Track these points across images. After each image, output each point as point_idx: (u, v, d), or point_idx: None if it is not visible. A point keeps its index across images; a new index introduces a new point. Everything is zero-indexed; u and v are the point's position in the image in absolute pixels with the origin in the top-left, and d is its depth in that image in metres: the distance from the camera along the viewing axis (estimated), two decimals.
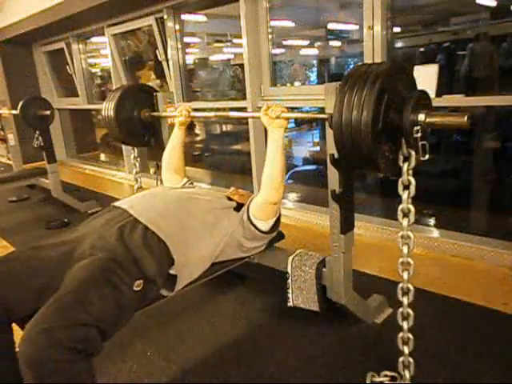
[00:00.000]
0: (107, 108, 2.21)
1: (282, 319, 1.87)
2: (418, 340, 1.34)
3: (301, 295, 1.76)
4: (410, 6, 3.03)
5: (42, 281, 1.32)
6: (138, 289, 1.36)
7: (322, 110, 1.50)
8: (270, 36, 3.03)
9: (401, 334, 1.35)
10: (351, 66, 4.81)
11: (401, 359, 1.36)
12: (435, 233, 2.46)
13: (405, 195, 1.25)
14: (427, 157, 1.16)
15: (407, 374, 1.35)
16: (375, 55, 2.43)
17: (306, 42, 5.32)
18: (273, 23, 3.06)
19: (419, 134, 1.13)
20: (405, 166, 1.22)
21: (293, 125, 6.53)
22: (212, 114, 2.10)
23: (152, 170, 4.25)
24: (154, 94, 2.32)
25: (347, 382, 1.47)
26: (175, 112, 2.09)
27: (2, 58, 5.50)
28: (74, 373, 1.09)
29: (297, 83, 5.09)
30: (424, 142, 1.14)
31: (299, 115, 1.85)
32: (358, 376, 1.47)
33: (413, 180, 1.23)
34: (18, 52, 5.62)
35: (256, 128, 3.15)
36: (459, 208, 2.90)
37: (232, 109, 4.69)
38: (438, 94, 2.22)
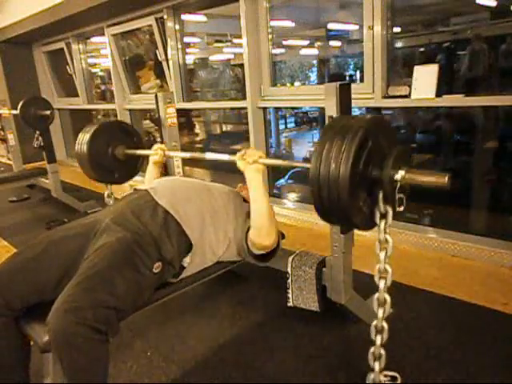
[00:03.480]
0: (80, 143, 2.14)
1: (282, 319, 1.87)
2: (417, 340, 1.34)
3: (301, 295, 1.76)
4: (409, 6, 3.03)
5: (66, 259, 1.38)
6: (157, 271, 1.41)
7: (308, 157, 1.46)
8: (269, 36, 3.03)
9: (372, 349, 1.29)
10: (351, 66, 4.82)
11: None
12: (435, 233, 2.46)
13: (382, 255, 1.19)
14: (402, 208, 1.12)
15: (377, 366, 1.28)
16: (375, 55, 2.43)
17: (306, 42, 5.32)
18: (273, 23, 3.06)
19: (397, 191, 1.09)
20: (382, 224, 1.16)
21: (293, 125, 6.55)
22: (188, 154, 2.11)
23: None
24: (133, 131, 2.30)
25: (347, 383, 1.47)
26: (151, 151, 2.07)
27: (2, 58, 5.50)
28: (95, 351, 1.18)
29: (297, 83, 5.10)
30: (401, 195, 1.10)
31: (279, 163, 1.81)
32: (357, 376, 1.47)
33: (390, 239, 1.17)
34: (18, 52, 5.62)
35: (256, 128, 3.16)
36: (458, 208, 2.90)
37: (232, 109, 4.71)
38: (438, 94, 2.22)
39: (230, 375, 1.56)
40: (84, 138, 2.14)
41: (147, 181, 2.03)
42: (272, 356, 1.64)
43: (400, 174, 1.09)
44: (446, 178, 1.05)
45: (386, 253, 1.19)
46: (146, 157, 2.15)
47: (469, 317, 1.80)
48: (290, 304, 1.80)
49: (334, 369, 1.55)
